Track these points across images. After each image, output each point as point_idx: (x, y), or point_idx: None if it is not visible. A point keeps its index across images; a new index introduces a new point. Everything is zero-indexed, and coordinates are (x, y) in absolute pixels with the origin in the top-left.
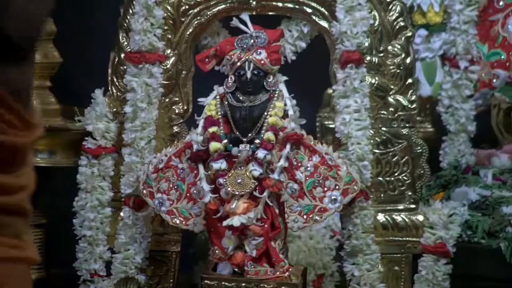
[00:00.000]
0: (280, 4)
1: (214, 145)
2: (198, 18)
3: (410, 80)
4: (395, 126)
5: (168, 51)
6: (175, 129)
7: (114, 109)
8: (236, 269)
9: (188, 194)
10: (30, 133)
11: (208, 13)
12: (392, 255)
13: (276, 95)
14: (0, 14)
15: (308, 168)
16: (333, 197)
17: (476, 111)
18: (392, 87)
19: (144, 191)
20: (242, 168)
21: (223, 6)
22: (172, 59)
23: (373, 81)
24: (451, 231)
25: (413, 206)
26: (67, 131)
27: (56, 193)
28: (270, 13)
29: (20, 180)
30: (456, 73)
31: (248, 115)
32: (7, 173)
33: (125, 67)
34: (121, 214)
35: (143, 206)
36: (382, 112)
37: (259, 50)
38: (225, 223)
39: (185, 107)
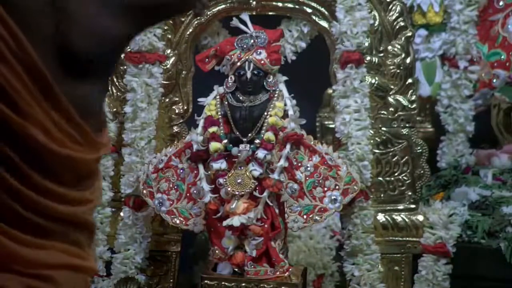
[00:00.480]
0: (280, 4)
1: (214, 145)
2: (198, 18)
3: (410, 80)
4: (395, 126)
5: (168, 51)
6: (175, 129)
7: (114, 109)
8: (236, 269)
9: (188, 194)
10: (91, 150)
11: (208, 13)
12: (392, 255)
13: (276, 95)
14: (67, 30)
15: (308, 168)
16: (333, 197)
17: (476, 111)
18: (392, 87)
19: (144, 191)
20: (242, 168)
21: (223, 6)
22: (172, 59)
23: (373, 81)
24: (451, 231)
25: (413, 206)
26: None
27: None
28: (270, 13)
29: (84, 194)
30: (456, 73)
31: (248, 115)
32: (69, 186)
33: (125, 67)
34: (121, 214)
35: (143, 206)
36: (382, 112)
37: (259, 50)
38: (225, 223)
39: (185, 107)
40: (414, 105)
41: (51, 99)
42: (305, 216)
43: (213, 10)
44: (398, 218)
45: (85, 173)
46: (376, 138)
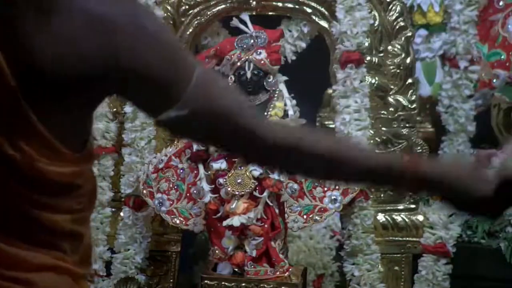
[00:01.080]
0: (280, 4)
1: None
2: (198, 18)
3: (410, 80)
4: (395, 126)
5: None
6: None
7: (114, 109)
8: (236, 269)
9: (188, 194)
10: (63, 163)
11: (208, 13)
12: (392, 255)
13: (276, 95)
14: (39, 54)
15: None
16: (333, 197)
17: (476, 111)
18: (392, 87)
19: (144, 191)
20: (242, 168)
21: (223, 6)
22: None
23: (373, 81)
24: (451, 231)
25: (413, 206)
26: None
27: None
28: (270, 13)
29: (65, 203)
30: (456, 73)
31: None
32: (48, 195)
33: None
34: (121, 214)
35: (143, 206)
36: (382, 112)
37: (259, 50)
38: (225, 223)
39: None
40: (414, 105)
41: (27, 126)
42: (305, 216)
43: (213, 10)
44: (398, 218)
45: (65, 184)
46: (376, 138)
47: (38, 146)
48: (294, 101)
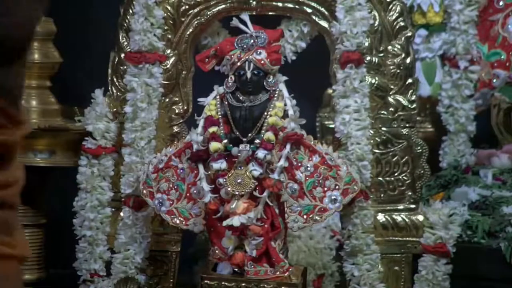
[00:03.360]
0: (280, 4)
1: (214, 145)
2: (198, 18)
3: (410, 80)
4: (395, 126)
5: (168, 51)
6: (175, 129)
7: (114, 109)
8: (236, 269)
9: (188, 194)
10: (18, 130)
11: (208, 13)
12: (392, 255)
13: (276, 95)
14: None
15: (308, 168)
16: (333, 197)
17: (476, 111)
18: (392, 87)
19: (144, 191)
20: (242, 168)
21: (223, 6)
22: (172, 59)
23: (373, 81)
24: (451, 231)
25: (413, 206)
26: (67, 131)
27: (56, 193)
28: (270, 13)
29: (10, 175)
30: (456, 73)
31: (248, 115)
32: None
33: (125, 67)
34: (121, 214)
35: (143, 206)
36: (382, 112)
37: (259, 50)
38: (225, 223)
39: (185, 107)
40: (414, 105)
41: None
42: (305, 216)
43: (213, 10)
44: (398, 218)
45: (10, 155)
46: (376, 138)
47: None
48: (294, 101)
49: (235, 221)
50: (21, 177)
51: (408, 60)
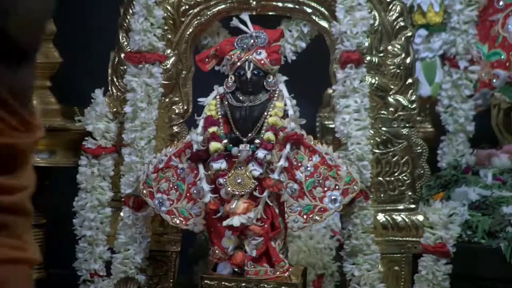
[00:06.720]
0: (280, 4)
1: (214, 145)
2: (198, 18)
3: (410, 80)
4: (395, 126)
5: (168, 51)
6: (175, 129)
7: (114, 109)
8: (236, 269)
9: (188, 194)
10: (30, 134)
11: (208, 13)
12: (392, 255)
13: (276, 95)
14: (4, 15)
15: (308, 168)
16: (333, 197)
17: (476, 111)
18: (392, 87)
19: (144, 191)
20: (242, 168)
21: (223, 6)
22: (172, 59)
23: (373, 81)
24: (451, 231)
25: (413, 206)
26: (67, 131)
27: (56, 193)
28: (270, 13)
29: (21, 180)
30: (456, 73)
31: (248, 115)
32: (8, 174)
33: (125, 67)
34: (121, 214)
35: (143, 206)
36: (382, 112)
37: (259, 50)
38: (225, 223)
39: (185, 107)
40: (414, 105)
41: None
42: (305, 216)
43: (213, 10)
44: (398, 218)
45: (22, 159)
46: (376, 138)
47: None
48: (294, 101)
49: (235, 221)
50: (32, 183)
51: (408, 60)
